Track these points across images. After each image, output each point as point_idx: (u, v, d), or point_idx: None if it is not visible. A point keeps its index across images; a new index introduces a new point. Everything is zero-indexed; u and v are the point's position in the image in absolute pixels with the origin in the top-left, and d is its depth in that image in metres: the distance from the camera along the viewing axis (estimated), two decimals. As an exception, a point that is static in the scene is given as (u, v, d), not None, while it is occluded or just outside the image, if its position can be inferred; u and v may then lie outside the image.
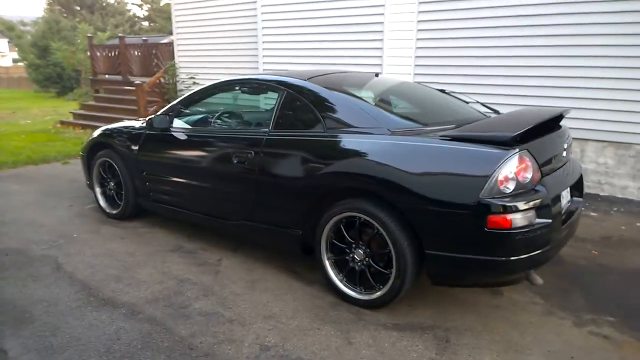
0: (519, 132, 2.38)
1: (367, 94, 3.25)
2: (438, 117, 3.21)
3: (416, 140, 2.58)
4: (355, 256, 2.78)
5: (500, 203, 2.28)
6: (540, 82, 5.21)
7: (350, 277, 2.83)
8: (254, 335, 2.52)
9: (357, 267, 2.78)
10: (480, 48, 5.51)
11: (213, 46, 8.05)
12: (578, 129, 4.99)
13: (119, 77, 10.66)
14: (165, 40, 13.44)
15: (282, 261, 3.39)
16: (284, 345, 2.44)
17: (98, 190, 4.38)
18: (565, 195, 2.84)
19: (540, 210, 2.38)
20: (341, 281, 2.85)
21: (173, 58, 9.01)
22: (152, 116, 3.63)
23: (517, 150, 2.36)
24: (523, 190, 2.39)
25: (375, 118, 2.79)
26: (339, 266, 2.87)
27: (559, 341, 2.49)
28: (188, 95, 3.73)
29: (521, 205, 2.31)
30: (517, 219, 2.30)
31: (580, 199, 3.08)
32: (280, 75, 3.29)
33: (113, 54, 10.66)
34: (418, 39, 5.87)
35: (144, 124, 3.80)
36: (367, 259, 2.74)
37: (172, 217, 3.95)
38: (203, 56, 8.27)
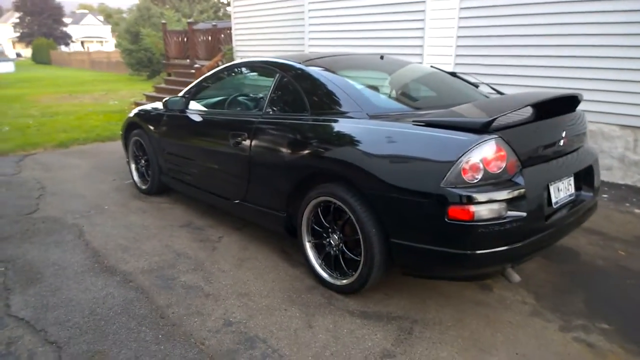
0: (491, 118, 2.22)
1: (364, 78, 3.18)
2: (437, 100, 3.07)
3: (386, 125, 2.49)
4: (331, 241, 2.77)
5: (460, 193, 2.15)
6: (594, 74, 4.72)
7: (328, 261, 2.83)
8: (223, 311, 2.62)
9: (332, 252, 2.78)
10: (522, 36, 5.11)
11: (265, 29, 8.24)
12: (630, 116, 4.50)
13: (187, 61, 11.25)
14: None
15: (277, 242, 3.46)
16: (246, 322, 2.52)
17: (133, 166, 4.72)
18: (565, 188, 2.60)
19: (513, 202, 2.21)
20: (320, 265, 2.86)
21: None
22: (168, 98, 3.83)
23: (488, 137, 2.20)
24: (494, 181, 2.23)
25: (356, 102, 2.72)
26: (318, 250, 2.88)
27: (534, 344, 2.32)
28: (202, 79, 3.87)
29: (486, 196, 2.16)
30: (481, 211, 2.16)
31: (590, 194, 2.79)
32: (279, 58, 3.31)
33: (183, 39, 11.23)
34: (460, 27, 5.56)
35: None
36: (340, 244, 2.72)
37: (187, 194, 4.16)
38: (256, 39, 8.49)
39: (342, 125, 2.65)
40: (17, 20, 53.11)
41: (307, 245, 2.91)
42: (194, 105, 3.88)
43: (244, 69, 3.73)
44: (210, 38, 10.86)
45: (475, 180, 2.19)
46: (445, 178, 2.18)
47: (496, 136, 2.22)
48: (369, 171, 2.41)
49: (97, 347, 2.32)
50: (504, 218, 2.20)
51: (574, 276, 2.98)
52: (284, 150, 2.92)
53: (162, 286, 2.90)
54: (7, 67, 29.76)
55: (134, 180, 4.73)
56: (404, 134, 2.39)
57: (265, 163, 3.07)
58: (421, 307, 2.64)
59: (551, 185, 2.48)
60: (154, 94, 11.10)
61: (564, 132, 2.55)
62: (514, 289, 2.81)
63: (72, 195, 4.63)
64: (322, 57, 3.31)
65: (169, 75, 11.87)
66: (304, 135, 2.81)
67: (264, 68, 3.45)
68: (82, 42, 61.33)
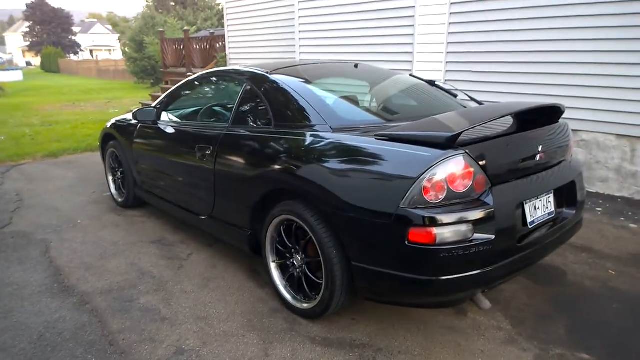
0: (457, 132, 2.05)
1: (335, 88, 3.02)
2: (411, 111, 2.90)
3: (347, 139, 2.33)
4: (295, 262, 2.61)
5: (421, 214, 1.98)
6: (589, 80, 4.52)
7: (292, 283, 2.66)
8: (177, 337, 2.47)
9: (295, 274, 2.61)
10: (513, 42, 4.94)
11: (257, 36, 8.15)
12: (627, 125, 4.29)
13: (183, 70, 11.18)
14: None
15: (247, 260, 3.30)
16: (199, 350, 2.35)
17: (110, 178, 4.60)
18: (543, 206, 2.42)
19: (481, 224, 2.04)
20: (285, 287, 2.69)
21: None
22: (137, 109, 3.70)
23: (453, 153, 2.03)
24: (460, 201, 2.05)
25: (319, 114, 2.56)
26: (282, 271, 2.72)
27: (505, 378, 2.13)
28: (174, 89, 3.74)
29: (450, 217, 1.99)
30: (445, 234, 1.99)
31: (572, 211, 2.60)
32: (248, 67, 3.17)
33: (179, 47, 11.17)
34: (450, 33, 5.41)
35: (136, 116, 3.89)
36: (303, 266, 2.55)
37: (160, 208, 4.02)
38: (249, 46, 8.40)
39: (302, 139, 2.49)
40: (27, 30, 53.81)
41: (272, 266, 2.75)
42: (165, 116, 3.75)
43: (214, 79, 3.59)
44: (207, 46, 10.79)
45: (439, 200, 2.02)
46: (405, 198, 2.01)
47: (462, 152, 2.05)
48: (327, 189, 2.25)
49: (36, 378, 2.17)
50: (471, 241, 2.02)
51: (558, 299, 2.78)
52: (246, 164, 2.77)
53: (118, 309, 2.74)
54: (16, 76, 30.09)
55: (111, 193, 4.61)
56: (364, 149, 2.23)
57: (228, 178, 2.92)
58: (389, 333, 2.46)
59: (526, 203, 2.30)
60: (150, 102, 11.03)
61: (541, 146, 2.37)
62: (490, 314, 2.62)
63: (48, 209, 4.51)
64: (292, 66, 3.16)
65: (167, 83, 11.82)
66: (265, 150, 2.66)
67: (232, 77, 3.31)
68: (91, 51, 61.99)
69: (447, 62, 5.49)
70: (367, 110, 2.92)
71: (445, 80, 5.56)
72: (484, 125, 2.26)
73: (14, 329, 2.55)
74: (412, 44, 5.82)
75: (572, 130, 4.62)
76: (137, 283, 3.04)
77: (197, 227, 3.71)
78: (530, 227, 2.31)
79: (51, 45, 46.45)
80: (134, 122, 3.97)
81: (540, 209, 2.40)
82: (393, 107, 3.06)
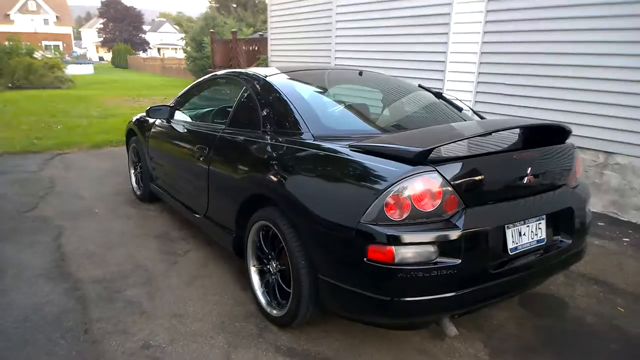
0: (428, 148, 1.96)
1: (331, 95, 2.98)
2: (408, 123, 2.81)
3: (321, 148, 2.28)
4: (271, 268, 2.59)
5: (380, 231, 1.91)
6: (620, 99, 4.19)
7: (269, 289, 2.64)
8: (148, 331, 2.51)
9: (270, 280, 2.59)
10: (551, 55, 4.67)
11: (296, 40, 8.24)
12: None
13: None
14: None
15: (239, 262, 3.29)
16: (165, 347, 2.38)
17: (132, 172, 4.78)
18: (531, 232, 2.26)
19: (447, 246, 1.93)
20: (262, 293, 2.68)
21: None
22: (150, 107, 3.82)
23: (422, 170, 1.94)
24: (426, 220, 1.96)
25: (304, 121, 2.53)
26: (261, 276, 2.71)
27: (466, 411, 2.01)
28: (187, 89, 3.84)
29: (410, 237, 1.90)
30: (405, 254, 1.90)
31: (568, 240, 2.41)
32: (250, 69, 3.19)
33: (228, 48, 11.48)
34: (484, 43, 5.21)
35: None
36: (277, 273, 2.53)
37: (169, 204, 4.13)
38: (288, 50, 8.51)
39: (281, 146, 2.48)
40: (101, 26, 57.27)
41: (252, 270, 2.74)
42: (178, 115, 3.85)
43: (222, 80, 3.64)
44: (254, 48, 11.02)
45: (402, 218, 1.93)
46: (366, 213, 1.94)
47: (432, 169, 1.95)
48: (298, 198, 2.22)
49: (9, 357, 2.28)
50: (435, 263, 1.92)
51: (550, 333, 2.59)
52: (233, 167, 2.79)
53: (104, 298, 2.83)
54: (87, 69, 32.09)
55: (132, 186, 4.78)
56: (334, 160, 2.18)
57: (218, 179, 2.96)
58: (357, 350, 2.38)
59: (508, 228, 2.15)
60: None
61: (530, 168, 2.21)
62: (470, 341, 2.48)
63: (73, 196, 4.75)
64: (294, 71, 3.17)
65: (214, 82, 12.16)
66: (249, 154, 2.67)
67: (236, 80, 3.34)
68: (159, 49, 65.02)
69: (479, 73, 5.28)
70: (361, 119, 2.86)
71: (477, 92, 5.36)
72: (467, 142, 2.15)
73: (4, 309, 2.70)
74: (445, 52, 5.65)
75: (606, 152, 4.37)
76: (129, 275, 3.13)
77: (197, 226, 3.78)
78: (511, 253, 2.16)
79: (122, 42, 49.16)
80: (151, 119, 4.10)
81: (526, 235, 2.24)
82: (389, 117, 2.97)
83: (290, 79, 3.01)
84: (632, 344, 2.50)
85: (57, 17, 50.95)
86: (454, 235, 1.94)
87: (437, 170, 1.95)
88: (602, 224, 4.30)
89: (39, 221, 4.06)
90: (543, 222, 2.32)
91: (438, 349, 2.41)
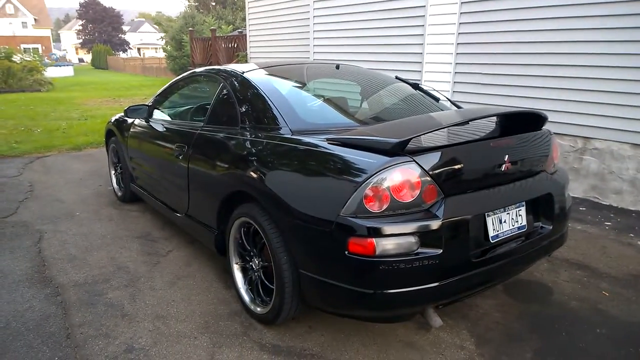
0: (405, 139, 1.94)
1: (309, 89, 2.95)
2: (386, 115, 2.80)
3: (299, 143, 2.26)
4: (253, 265, 2.56)
5: (361, 224, 1.89)
6: (602, 85, 4.23)
7: (252, 287, 2.62)
8: (132, 334, 2.47)
9: (254, 277, 2.57)
10: (524, 44, 4.69)
11: (275, 37, 8.22)
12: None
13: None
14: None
15: (222, 260, 3.27)
16: (148, 350, 2.35)
17: (112, 173, 4.71)
18: (511, 219, 2.27)
19: (427, 236, 1.93)
20: (246, 290, 2.66)
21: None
22: (128, 106, 3.76)
23: (400, 160, 1.93)
24: (405, 211, 1.95)
25: (282, 116, 2.51)
26: (244, 273, 2.68)
27: (452, 400, 2.01)
28: (165, 87, 3.78)
29: (391, 228, 1.89)
30: (386, 245, 1.89)
31: (548, 227, 2.42)
32: (227, 66, 3.15)
33: (207, 45, 11.36)
34: (460, 34, 5.21)
35: (129, 113, 3.95)
36: (260, 270, 2.51)
37: (149, 204, 4.07)
38: (268, 46, 8.45)
39: (259, 141, 2.45)
40: (80, 28, 56.37)
41: (234, 267, 2.72)
42: (157, 114, 3.80)
43: (202, 78, 3.59)
44: (232, 45, 10.90)
45: (381, 210, 1.92)
46: (345, 205, 1.93)
47: (409, 160, 1.94)
48: (277, 193, 2.20)
49: (-13, 367, 2.23)
50: (416, 254, 1.91)
51: (534, 319, 2.61)
52: (212, 164, 2.76)
53: (85, 302, 2.79)
54: (67, 71, 31.57)
55: (113, 187, 4.71)
56: (311, 154, 2.16)
57: (198, 177, 2.92)
58: (342, 344, 2.38)
59: (489, 216, 2.16)
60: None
61: (507, 156, 2.21)
62: (456, 331, 2.49)
63: (53, 200, 4.67)
64: (272, 66, 3.12)
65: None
66: (228, 150, 2.64)
67: (213, 77, 3.29)
68: (139, 49, 64.23)
69: (456, 64, 5.29)
70: (339, 112, 2.84)
71: (455, 82, 5.38)
72: (445, 131, 2.14)
73: (-17, 316, 2.64)
74: (422, 44, 5.65)
75: (584, 137, 4.41)
76: (111, 277, 3.08)
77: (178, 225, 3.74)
78: (492, 241, 2.17)
79: (101, 43, 48.46)
80: (129, 119, 4.04)
81: (507, 222, 2.25)
82: (368, 110, 2.96)
83: (268, 74, 2.98)
84: (617, 328, 2.52)
85: (35, 19, 50.06)
86: (434, 225, 1.93)
87: (415, 160, 1.94)
88: (583, 208, 4.35)
89: (18, 226, 3.98)
90: (523, 208, 2.33)
91: (424, 341, 2.41)
